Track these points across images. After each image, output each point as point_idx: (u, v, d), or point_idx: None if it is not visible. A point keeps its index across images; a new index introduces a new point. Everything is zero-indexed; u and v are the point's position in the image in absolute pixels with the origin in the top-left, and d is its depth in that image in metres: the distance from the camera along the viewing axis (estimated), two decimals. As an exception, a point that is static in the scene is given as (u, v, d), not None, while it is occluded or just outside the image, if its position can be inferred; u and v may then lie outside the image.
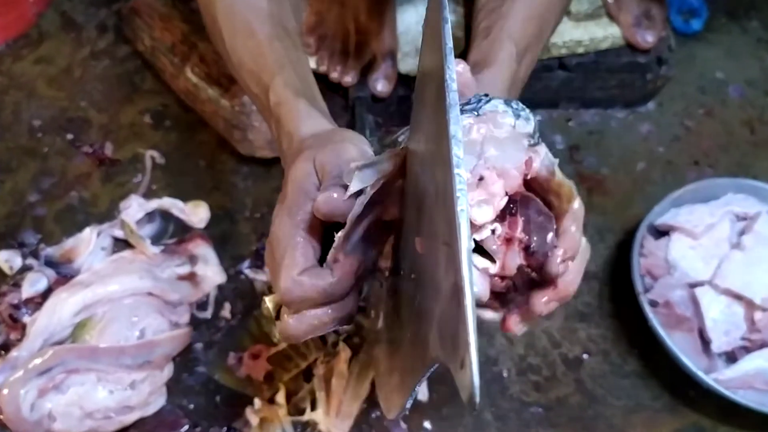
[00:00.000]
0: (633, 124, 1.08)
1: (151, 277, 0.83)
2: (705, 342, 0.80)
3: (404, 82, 0.95)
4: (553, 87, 1.04)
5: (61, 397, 0.73)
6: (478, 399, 0.33)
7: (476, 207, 0.41)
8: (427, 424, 0.81)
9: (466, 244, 0.32)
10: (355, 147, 0.50)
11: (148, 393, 0.78)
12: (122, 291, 0.80)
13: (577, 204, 0.45)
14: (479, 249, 0.43)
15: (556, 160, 0.43)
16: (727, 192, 0.89)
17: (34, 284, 0.82)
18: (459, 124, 0.33)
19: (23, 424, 0.73)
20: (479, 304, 0.44)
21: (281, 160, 0.59)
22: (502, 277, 0.44)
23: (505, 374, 0.85)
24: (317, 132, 0.55)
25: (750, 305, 0.78)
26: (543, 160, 0.42)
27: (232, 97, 0.94)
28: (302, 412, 0.81)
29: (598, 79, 1.03)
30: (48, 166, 0.99)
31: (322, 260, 0.46)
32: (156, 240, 0.91)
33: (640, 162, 1.04)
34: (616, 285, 0.91)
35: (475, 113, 0.41)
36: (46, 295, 0.81)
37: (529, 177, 0.42)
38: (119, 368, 0.76)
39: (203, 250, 0.91)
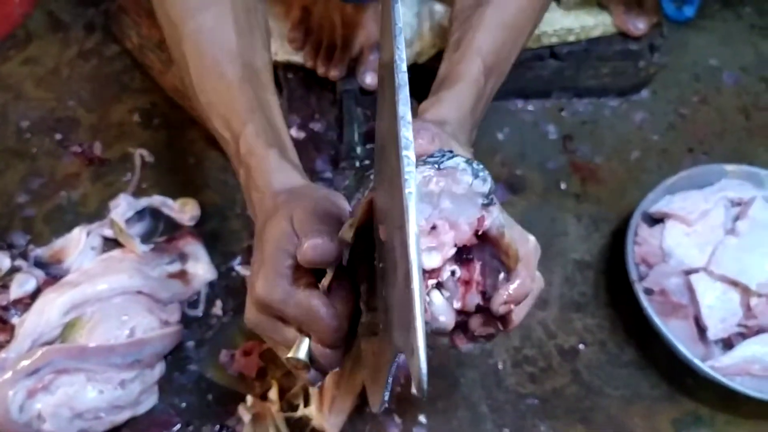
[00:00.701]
0: (627, 112, 1.07)
1: (140, 275, 0.82)
2: (701, 329, 0.78)
3: (393, 73, 0.93)
4: (544, 76, 1.03)
5: (51, 398, 0.72)
6: (425, 386, 0.36)
7: (426, 253, 0.43)
8: (422, 418, 0.80)
9: (414, 227, 0.34)
10: (333, 204, 0.51)
11: (138, 392, 0.77)
12: (111, 290, 0.79)
13: (531, 246, 0.48)
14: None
15: (505, 223, 0.45)
16: (722, 178, 0.88)
17: (22, 285, 0.81)
18: (408, 106, 0.36)
19: (12, 426, 0.72)
20: (444, 333, 0.46)
21: (249, 209, 0.60)
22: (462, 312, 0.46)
23: (500, 366, 0.84)
24: (291, 187, 0.55)
25: (746, 291, 0.77)
26: (494, 220, 0.44)
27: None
28: (295, 408, 0.80)
29: (590, 67, 1.02)
30: (36, 167, 0.98)
31: None
32: (146, 239, 0.90)
33: (635, 150, 1.03)
34: (611, 274, 0.90)
35: (437, 166, 0.43)
36: (35, 296, 0.80)
37: (480, 233, 0.44)
38: (109, 368, 0.75)
39: (193, 247, 0.90)
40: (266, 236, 0.51)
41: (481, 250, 0.45)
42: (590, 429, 0.80)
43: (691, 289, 0.79)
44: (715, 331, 0.77)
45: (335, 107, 0.91)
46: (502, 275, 0.45)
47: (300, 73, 0.93)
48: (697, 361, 0.75)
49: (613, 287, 0.89)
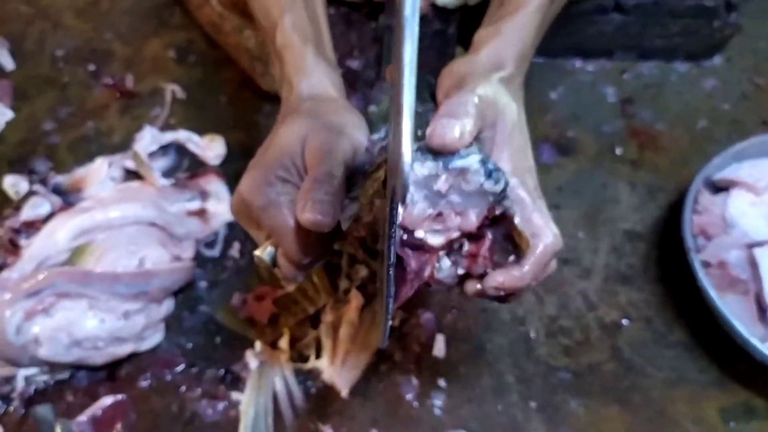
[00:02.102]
0: (696, 78, 0.98)
1: (156, 207, 0.78)
2: (762, 309, 0.70)
3: (440, 14, 0.87)
4: (607, 33, 0.94)
5: (49, 321, 0.69)
6: (385, 343, 0.45)
7: (430, 233, 0.44)
8: (441, 382, 0.73)
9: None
10: (350, 142, 0.49)
11: (142, 326, 0.73)
12: (123, 218, 0.75)
13: (549, 240, 0.46)
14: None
15: (533, 208, 0.46)
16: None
17: (35, 207, 0.78)
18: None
19: (8, 348, 0.68)
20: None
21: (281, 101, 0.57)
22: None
23: (532, 335, 0.77)
24: (318, 94, 0.54)
25: (818, 269, 0.68)
26: (507, 209, 0.44)
27: (256, 28, 0.89)
28: (306, 359, 0.74)
29: (658, 24, 0.93)
30: (67, 96, 0.96)
31: None
32: (168, 174, 0.87)
33: (702, 119, 0.94)
34: (664, 247, 0.82)
35: (445, 166, 0.42)
36: (48, 221, 0.77)
37: (492, 217, 0.44)
38: (113, 296, 0.71)
39: (216, 186, 0.85)
40: (276, 137, 0.50)
41: (495, 230, 0.45)
42: (626, 411, 0.72)
43: (754, 264, 0.70)
44: (778, 312, 0.68)
45: (376, 44, 0.85)
46: (512, 257, 0.46)
47: (342, 9, 0.87)
48: (755, 341, 0.66)
49: (665, 261, 0.81)
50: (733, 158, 0.79)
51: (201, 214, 0.83)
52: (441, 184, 0.42)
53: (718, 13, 0.92)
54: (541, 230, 0.46)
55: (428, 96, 0.54)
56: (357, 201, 0.48)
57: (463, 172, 0.42)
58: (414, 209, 0.43)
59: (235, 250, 0.82)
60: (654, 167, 0.89)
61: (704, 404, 0.73)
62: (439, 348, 0.75)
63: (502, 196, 0.43)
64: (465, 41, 0.93)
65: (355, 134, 0.51)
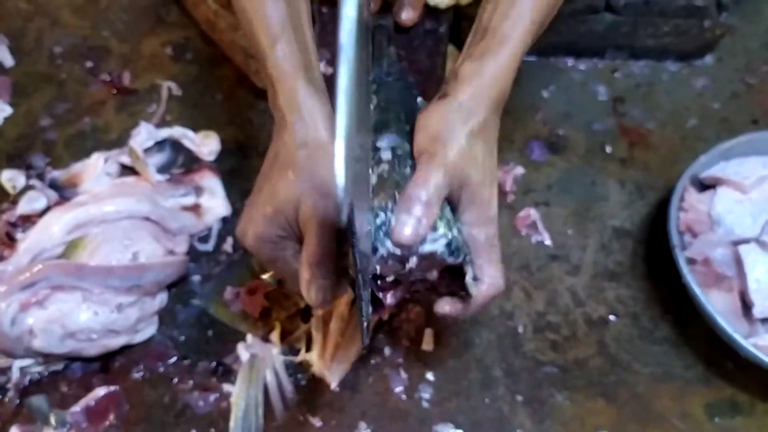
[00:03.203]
0: (687, 78, 0.99)
1: (150, 202, 0.79)
2: (746, 306, 0.70)
3: (432, 14, 0.88)
4: (598, 32, 0.95)
5: (43, 313, 0.70)
6: (366, 342, 0.56)
7: (390, 295, 0.56)
8: (429, 376, 0.74)
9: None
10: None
11: (136, 319, 0.74)
12: (117, 213, 0.76)
13: (490, 288, 0.56)
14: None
15: (486, 254, 0.55)
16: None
17: (31, 202, 0.79)
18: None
19: (3, 339, 0.70)
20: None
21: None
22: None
23: (520, 330, 0.78)
24: (310, 140, 0.57)
25: (801, 266, 0.69)
26: (462, 266, 0.55)
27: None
28: (296, 352, 0.75)
29: (649, 24, 0.94)
30: (64, 92, 0.97)
31: None
32: (164, 170, 0.88)
33: (692, 118, 0.95)
34: (652, 245, 0.83)
35: (416, 252, 0.51)
36: (44, 215, 0.79)
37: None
38: (106, 289, 0.72)
39: (210, 181, 0.86)
40: (274, 193, 0.56)
41: (451, 275, 0.56)
42: (612, 405, 0.73)
43: (738, 261, 0.71)
44: (762, 309, 0.69)
45: (368, 44, 0.86)
46: (463, 293, 0.56)
47: (335, 8, 0.88)
48: (738, 338, 0.67)
49: (652, 259, 0.82)
50: (720, 156, 0.80)
51: (195, 209, 0.84)
52: (411, 263, 0.52)
53: (709, 13, 0.93)
54: (487, 276, 0.55)
55: (408, 123, 0.60)
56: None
57: (431, 255, 0.52)
58: (388, 267, 0.52)
59: (228, 244, 0.83)
60: (643, 165, 0.90)
61: (689, 400, 0.74)
62: (428, 342, 0.76)
63: (459, 263, 0.53)
64: (456, 40, 0.94)
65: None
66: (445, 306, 0.57)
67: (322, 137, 0.57)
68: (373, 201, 0.52)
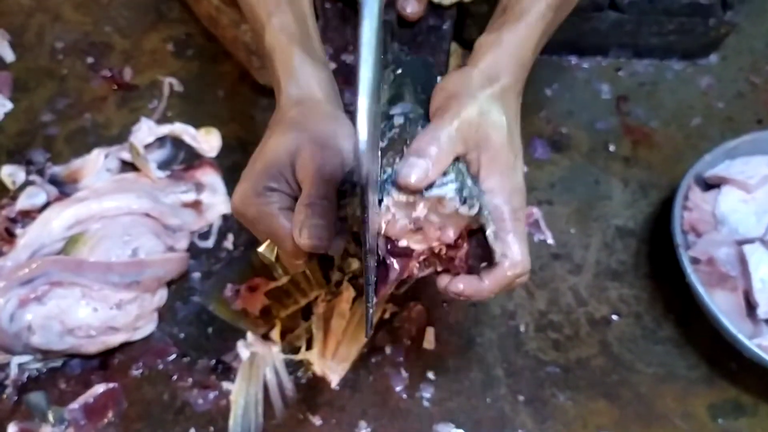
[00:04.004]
0: (692, 77, 0.98)
1: (150, 198, 0.79)
2: (750, 306, 0.70)
3: (436, 11, 0.87)
4: (602, 30, 0.95)
5: (42, 309, 0.69)
6: (370, 332, 0.50)
7: (413, 242, 0.48)
8: (430, 375, 0.74)
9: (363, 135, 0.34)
10: (338, 155, 0.51)
11: (135, 316, 0.74)
12: (117, 209, 0.76)
13: (514, 264, 0.49)
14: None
15: (511, 230, 0.48)
16: (791, 145, 0.78)
17: (31, 197, 0.79)
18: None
19: (1, 335, 0.69)
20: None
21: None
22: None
23: (522, 329, 0.77)
24: (305, 98, 0.55)
25: (806, 267, 0.68)
26: (482, 225, 0.47)
27: (252, 22, 0.89)
28: (297, 350, 0.75)
29: (653, 22, 0.93)
30: (65, 88, 0.96)
31: None
32: (164, 166, 0.87)
33: (696, 117, 0.94)
34: (655, 244, 0.82)
35: (423, 196, 0.45)
36: (43, 210, 0.78)
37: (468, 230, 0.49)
38: (106, 285, 0.72)
39: (211, 178, 0.86)
40: (264, 149, 0.52)
41: (471, 239, 0.48)
42: (615, 405, 0.73)
43: (743, 261, 0.70)
44: (766, 309, 0.68)
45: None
46: (484, 264, 0.49)
47: (338, 4, 0.88)
48: (742, 338, 0.66)
49: (656, 258, 0.81)
50: (724, 155, 0.79)
51: (196, 205, 0.84)
52: (419, 211, 0.46)
53: (714, 12, 0.92)
54: (511, 252, 0.48)
55: (426, 99, 0.55)
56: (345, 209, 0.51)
57: (439, 199, 0.46)
58: (397, 225, 0.47)
59: (228, 241, 0.83)
60: (647, 164, 0.89)
61: (693, 400, 0.73)
62: (429, 341, 0.76)
63: (477, 215, 0.46)
64: (460, 37, 0.94)
65: (343, 143, 0.52)
66: (459, 284, 0.50)
67: (317, 97, 0.55)
68: (381, 160, 0.49)
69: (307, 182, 0.49)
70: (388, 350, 0.75)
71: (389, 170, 0.46)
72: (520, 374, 0.74)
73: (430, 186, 0.45)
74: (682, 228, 0.75)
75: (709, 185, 0.78)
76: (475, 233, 0.48)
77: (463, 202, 0.45)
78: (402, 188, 0.45)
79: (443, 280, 0.50)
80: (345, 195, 0.51)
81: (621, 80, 0.98)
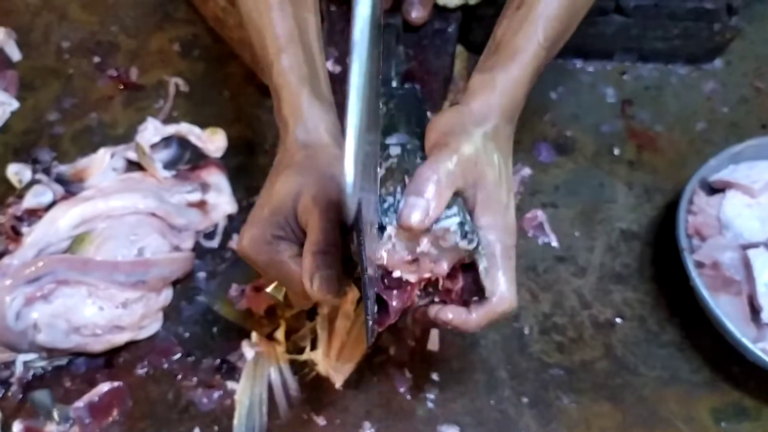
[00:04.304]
0: (696, 81, 0.98)
1: (156, 198, 0.79)
2: (754, 310, 0.70)
3: (441, 14, 0.87)
4: (607, 34, 0.95)
5: (48, 307, 0.70)
6: (371, 341, 0.49)
7: (407, 273, 0.50)
8: (434, 376, 0.74)
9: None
10: (338, 187, 0.50)
11: (140, 315, 0.74)
12: (124, 208, 0.76)
13: (502, 302, 0.51)
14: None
15: (501, 267, 0.51)
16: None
17: (37, 196, 0.79)
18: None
19: (7, 333, 0.69)
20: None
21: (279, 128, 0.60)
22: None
23: (526, 331, 0.77)
24: (312, 142, 0.56)
25: (811, 271, 0.69)
26: (474, 261, 0.50)
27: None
28: (301, 351, 0.75)
29: (658, 27, 0.94)
30: (71, 87, 0.97)
31: None
32: (170, 166, 0.87)
33: (700, 122, 0.94)
34: (660, 248, 0.82)
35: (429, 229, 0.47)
36: (50, 209, 0.78)
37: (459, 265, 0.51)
38: (111, 284, 0.72)
39: (217, 178, 0.86)
40: (271, 194, 0.53)
41: (466, 274, 0.51)
42: (618, 408, 0.73)
43: (747, 265, 0.71)
44: (770, 313, 0.69)
45: (380, 42, 0.86)
46: (474, 298, 0.51)
47: (343, 6, 0.88)
48: (746, 342, 0.66)
49: (660, 261, 0.82)
50: (729, 160, 0.79)
51: (201, 205, 0.84)
52: (423, 246, 0.48)
53: (719, 16, 0.92)
54: (500, 289, 0.51)
55: (420, 132, 0.57)
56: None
57: (442, 232, 0.47)
58: (395, 256, 0.49)
59: (234, 242, 0.83)
60: (651, 168, 0.90)
61: (696, 404, 0.73)
62: (433, 342, 0.76)
63: (474, 251, 0.49)
64: (466, 40, 0.94)
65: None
66: (449, 313, 0.52)
67: (324, 141, 0.56)
68: (380, 189, 0.50)
69: (312, 227, 0.50)
70: (392, 351, 0.75)
71: (390, 199, 0.48)
72: (524, 376, 0.74)
73: (437, 223, 0.47)
74: (687, 232, 0.75)
75: (714, 189, 0.79)
76: (468, 267, 0.51)
77: (464, 236, 0.47)
78: (405, 230, 0.46)
79: (433, 309, 0.52)
80: (349, 231, 0.51)
81: (626, 84, 0.98)
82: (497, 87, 0.56)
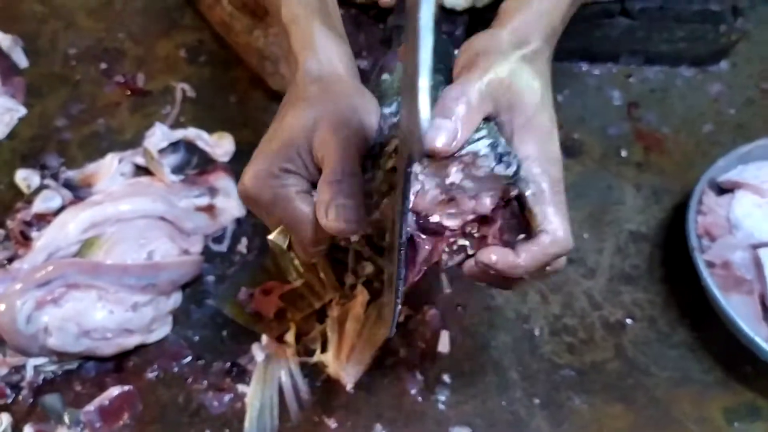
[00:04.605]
0: (702, 83, 0.98)
1: (165, 202, 0.79)
2: (766, 309, 0.70)
3: (448, 17, 0.88)
4: (613, 37, 0.95)
5: (58, 311, 0.70)
6: (393, 331, 0.46)
7: (446, 217, 0.44)
8: (446, 378, 0.74)
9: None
10: (361, 130, 0.48)
11: (151, 318, 0.74)
12: (133, 212, 0.76)
13: (556, 240, 0.45)
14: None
15: (551, 201, 0.45)
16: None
17: (46, 201, 0.79)
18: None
19: (18, 337, 0.69)
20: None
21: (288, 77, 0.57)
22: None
23: (536, 333, 0.77)
24: (325, 74, 0.51)
25: (822, 270, 0.69)
26: (521, 191, 0.44)
27: (265, 28, 0.90)
28: (312, 353, 0.75)
29: (664, 29, 0.94)
30: (78, 93, 0.97)
31: None
32: (178, 171, 0.88)
33: (707, 124, 0.94)
34: (669, 249, 0.82)
35: (454, 155, 0.42)
36: (58, 214, 0.78)
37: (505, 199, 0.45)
38: (122, 288, 0.72)
39: (225, 182, 0.86)
40: (281, 127, 0.49)
41: (506, 210, 0.45)
42: (630, 408, 0.72)
43: (758, 265, 0.70)
44: (782, 312, 0.68)
45: (383, 46, 0.86)
46: (521, 236, 0.45)
47: (351, 11, 0.89)
48: (759, 340, 0.66)
49: (669, 262, 0.81)
50: (738, 160, 0.79)
51: (209, 210, 0.84)
52: (453, 176, 0.43)
53: (724, 18, 0.93)
54: (552, 226, 0.44)
55: (444, 68, 0.53)
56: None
57: (472, 157, 0.42)
58: (426, 196, 0.43)
59: (242, 245, 0.83)
60: (659, 170, 0.90)
61: (708, 404, 0.73)
62: (444, 344, 0.76)
63: (515, 178, 0.43)
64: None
65: (367, 118, 0.49)
66: (492, 254, 0.44)
67: (339, 72, 0.52)
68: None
69: (329, 158, 0.46)
70: (402, 353, 0.75)
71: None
72: (536, 377, 0.74)
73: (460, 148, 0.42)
74: (697, 232, 0.75)
75: (723, 190, 0.79)
76: (509, 203, 0.45)
77: (499, 160, 0.42)
78: (429, 155, 0.41)
79: (469, 263, 0.46)
80: (366, 170, 0.48)
81: (632, 87, 0.98)
82: (534, 8, 0.51)
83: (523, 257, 0.44)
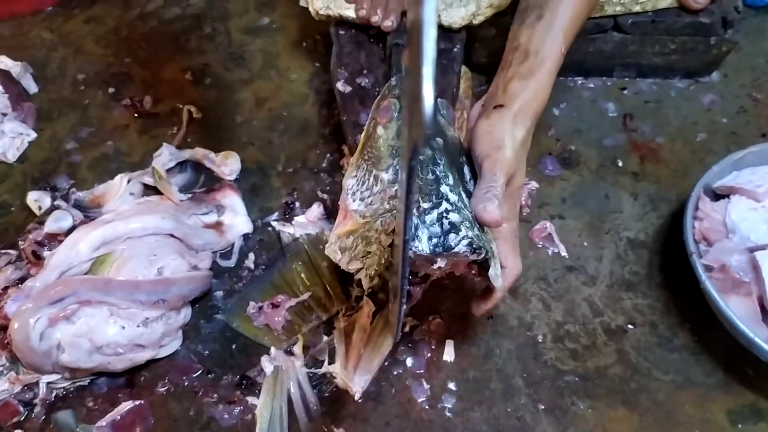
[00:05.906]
0: (695, 94, 1.01)
1: (174, 219, 0.81)
2: (765, 311, 0.71)
3: (446, 34, 0.90)
4: (606, 51, 0.98)
5: (71, 327, 0.71)
6: (398, 337, 0.61)
7: (429, 270, 0.61)
8: (452, 386, 0.75)
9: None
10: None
11: (161, 333, 0.75)
12: (143, 229, 0.78)
13: (508, 271, 0.65)
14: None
15: (499, 275, 0.62)
16: (797, 155, 0.80)
17: (58, 221, 0.81)
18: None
19: (32, 354, 0.71)
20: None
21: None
22: None
23: (539, 339, 0.78)
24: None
25: (818, 271, 0.70)
26: (485, 261, 0.59)
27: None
28: (319, 364, 0.76)
29: (656, 42, 0.96)
30: (87, 117, 1.00)
31: None
32: (185, 190, 0.90)
33: (701, 133, 0.96)
34: (667, 255, 0.84)
35: (445, 252, 0.56)
36: (70, 234, 0.80)
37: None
38: (133, 303, 0.73)
39: (232, 200, 0.88)
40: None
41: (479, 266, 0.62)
42: (634, 413, 0.73)
43: (756, 267, 0.72)
44: (780, 313, 0.70)
45: (384, 64, 0.89)
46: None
47: (351, 30, 0.91)
48: (759, 342, 0.67)
49: (668, 268, 0.83)
50: (731, 167, 0.81)
51: (217, 226, 0.86)
52: (439, 263, 0.58)
53: (714, 30, 0.95)
54: (511, 262, 0.65)
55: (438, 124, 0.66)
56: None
57: (455, 254, 0.56)
58: (416, 266, 0.61)
59: (250, 261, 0.85)
60: (655, 178, 0.91)
61: (711, 406, 0.74)
62: (449, 353, 0.77)
63: (482, 258, 0.57)
64: (468, 60, 0.97)
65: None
66: (479, 308, 0.68)
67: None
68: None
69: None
70: (409, 363, 0.77)
71: (415, 220, 0.56)
72: (540, 384, 0.75)
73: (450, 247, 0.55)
74: (694, 237, 0.76)
75: (718, 195, 0.80)
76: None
77: (474, 252, 0.56)
78: (482, 222, 0.58)
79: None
80: None
81: (626, 99, 1.00)
82: (530, 92, 0.67)
83: (499, 295, 0.67)
